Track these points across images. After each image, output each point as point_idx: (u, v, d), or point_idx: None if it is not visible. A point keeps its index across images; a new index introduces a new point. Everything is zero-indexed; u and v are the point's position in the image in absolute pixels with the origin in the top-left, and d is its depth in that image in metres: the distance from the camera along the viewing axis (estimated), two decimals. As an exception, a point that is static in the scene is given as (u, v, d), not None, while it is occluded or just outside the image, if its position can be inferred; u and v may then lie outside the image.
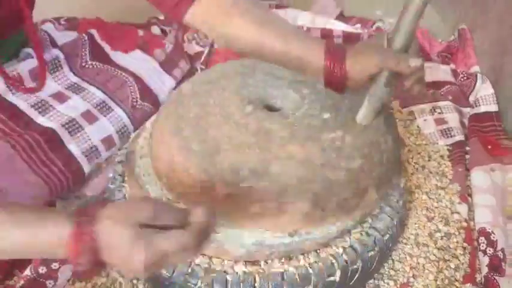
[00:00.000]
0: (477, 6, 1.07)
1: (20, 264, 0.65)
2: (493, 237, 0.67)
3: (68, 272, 0.64)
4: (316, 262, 0.55)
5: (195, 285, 0.54)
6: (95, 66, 0.84)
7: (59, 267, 0.64)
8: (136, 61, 0.87)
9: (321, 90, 0.61)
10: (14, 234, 0.38)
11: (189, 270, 0.55)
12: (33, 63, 0.77)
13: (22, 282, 0.62)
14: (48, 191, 0.68)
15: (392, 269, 0.64)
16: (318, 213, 0.55)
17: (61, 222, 0.38)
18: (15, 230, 0.37)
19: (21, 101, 0.73)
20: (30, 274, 0.62)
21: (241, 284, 0.54)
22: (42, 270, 0.63)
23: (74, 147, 0.72)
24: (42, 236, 0.38)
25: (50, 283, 0.62)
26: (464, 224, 0.70)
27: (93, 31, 0.88)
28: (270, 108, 0.63)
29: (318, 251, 0.56)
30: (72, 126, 0.73)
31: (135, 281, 0.62)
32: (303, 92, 0.63)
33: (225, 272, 0.54)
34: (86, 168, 0.73)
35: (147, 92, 0.84)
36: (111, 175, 0.70)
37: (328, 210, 0.56)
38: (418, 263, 0.64)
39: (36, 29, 0.84)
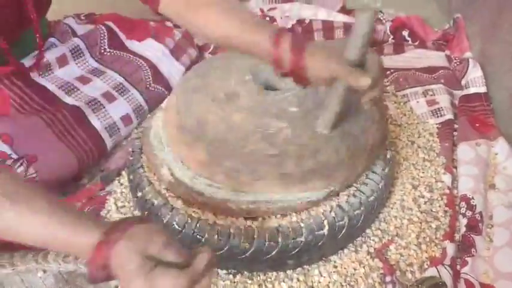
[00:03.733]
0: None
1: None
2: (473, 202, 0.74)
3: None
4: (307, 218, 0.63)
5: (203, 236, 0.63)
6: (113, 53, 0.93)
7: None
8: (149, 49, 0.96)
9: None
10: (51, 225, 0.42)
11: (197, 225, 0.64)
12: (58, 51, 0.87)
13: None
14: (76, 160, 0.78)
15: (378, 229, 0.71)
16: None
17: (91, 232, 0.42)
18: (53, 221, 0.42)
19: (50, 83, 0.84)
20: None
21: (242, 236, 0.62)
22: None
23: (97, 123, 0.81)
24: (71, 237, 0.42)
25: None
26: (447, 191, 0.77)
27: (110, 23, 0.97)
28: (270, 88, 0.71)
29: (309, 209, 0.64)
30: (95, 104, 0.83)
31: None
32: None
33: (228, 225, 0.63)
34: (108, 141, 0.83)
35: (159, 76, 0.93)
36: (130, 149, 0.79)
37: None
38: (402, 224, 0.71)
39: (56, 24, 0.95)
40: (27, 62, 0.84)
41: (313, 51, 0.52)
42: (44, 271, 0.62)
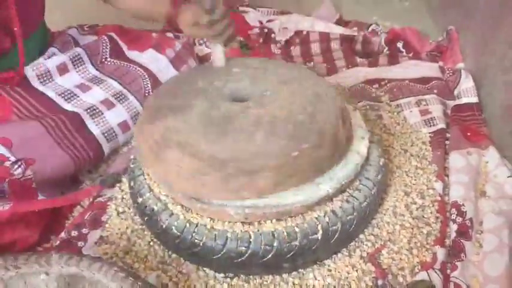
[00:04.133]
0: (464, 9, 1.17)
1: (55, 229, 0.77)
2: (463, 208, 0.76)
3: (95, 236, 0.75)
4: (302, 223, 0.66)
5: (201, 241, 0.65)
6: (113, 62, 0.96)
7: (88, 232, 0.76)
8: (150, 59, 0.99)
9: (268, 73, 0.78)
10: None
11: (196, 229, 0.66)
12: (58, 60, 0.90)
13: (58, 242, 0.73)
14: (73, 164, 0.81)
15: (371, 234, 0.73)
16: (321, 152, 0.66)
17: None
18: None
19: (50, 91, 0.87)
20: (65, 236, 0.74)
21: (238, 240, 0.64)
22: (74, 233, 0.75)
23: (95, 129, 0.84)
24: None
25: (80, 244, 0.74)
26: (439, 198, 0.79)
27: (113, 34, 1.01)
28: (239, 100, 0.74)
29: (304, 214, 0.67)
30: (93, 111, 0.86)
31: (151, 243, 0.74)
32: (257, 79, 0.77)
33: (225, 230, 0.65)
34: (105, 147, 0.86)
35: (157, 85, 0.95)
36: (131, 157, 0.81)
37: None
38: (395, 229, 0.73)
39: (59, 35, 0.98)
40: (29, 70, 0.86)
41: (185, 7, 0.78)
42: (47, 274, 0.64)
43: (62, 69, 0.91)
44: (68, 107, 0.86)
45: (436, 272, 0.67)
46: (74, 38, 1.00)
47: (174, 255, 0.72)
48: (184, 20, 0.77)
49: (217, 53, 0.79)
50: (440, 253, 0.70)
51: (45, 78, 0.88)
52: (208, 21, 0.73)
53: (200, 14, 0.74)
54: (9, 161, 0.74)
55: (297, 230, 0.65)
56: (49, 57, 0.91)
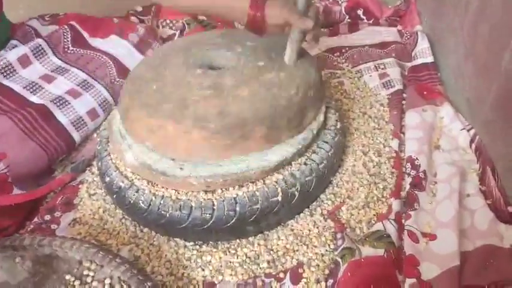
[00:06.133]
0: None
1: (30, 217, 0.79)
2: (417, 162, 0.80)
3: (68, 218, 0.78)
4: (262, 187, 0.69)
5: (167, 212, 0.68)
6: (76, 51, 0.97)
7: (61, 215, 0.78)
8: (113, 45, 1.00)
9: (251, 46, 0.77)
10: None
11: (162, 202, 0.69)
12: (19, 52, 0.91)
13: (32, 226, 0.76)
14: (45, 155, 0.82)
15: (331, 193, 0.77)
16: (274, 133, 0.69)
17: None
18: None
19: (15, 84, 0.87)
20: (38, 220, 0.77)
21: (202, 208, 0.68)
22: (47, 217, 0.77)
23: (63, 119, 0.85)
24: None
25: (54, 226, 0.76)
26: (394, 155, 0.83)
27: (73, 22, 1.01)
28: (213, 68, 0.77)
29: (264, 179, 0.70)
30: (60, 101, 0.87)
31: (123, 220, 0.77)
32: (237, 51, 0.77)
33: (189, 199, 0.68)
34: (76, 136, 0.87)
35: (123, 71, 0.97)
36: (98, 139, 0.83)
37: (280, 129, 0.70)
38: (353, 187, 0.77)
39: (19, 27, 0.98)
40: None
41: (271, 4, 0.72)
42: (22, 257, 0.67)
43: (24, 61, 0.91)
44: (34, 99, 0.87)
45: (390, 222, 0.71)
46: (35, 29, 0.99)
47: (145, 230, 0.75)
48: (274, 17, 0.72)
49: (293, 52, 0.75)
50: (395, 204, 0.74)
51: (8, 72, 0.89)
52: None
53: (292, 14, 0.70)
54: None
55: (257, 194, 0.68)
56: (10, 50, 0.91)
